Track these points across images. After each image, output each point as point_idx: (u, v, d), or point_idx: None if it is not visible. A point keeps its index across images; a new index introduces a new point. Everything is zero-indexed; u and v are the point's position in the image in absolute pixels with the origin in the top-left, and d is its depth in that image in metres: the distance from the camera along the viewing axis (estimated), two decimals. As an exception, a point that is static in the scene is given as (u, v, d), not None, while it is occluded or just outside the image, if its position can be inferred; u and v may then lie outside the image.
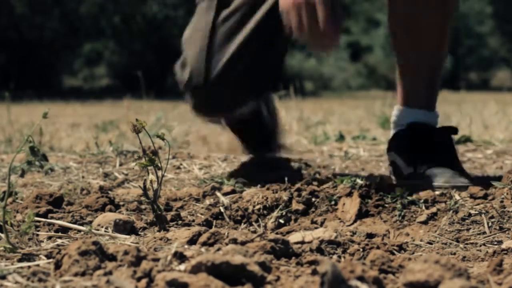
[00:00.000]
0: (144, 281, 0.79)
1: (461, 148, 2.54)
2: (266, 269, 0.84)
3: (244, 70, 1.70)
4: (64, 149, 2.83)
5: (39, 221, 1.29)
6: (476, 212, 1.31)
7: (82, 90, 15.96)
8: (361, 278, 0.77)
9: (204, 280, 0.76)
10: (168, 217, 1.39)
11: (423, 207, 1.39)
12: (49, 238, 1.19)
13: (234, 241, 0.98)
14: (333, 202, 1.47)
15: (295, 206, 1.46)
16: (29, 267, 0.91)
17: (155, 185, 1.25)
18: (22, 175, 1.84)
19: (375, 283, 0.78)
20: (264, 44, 1.72)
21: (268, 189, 1.59)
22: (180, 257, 0.85)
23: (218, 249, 0.92)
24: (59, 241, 1.15)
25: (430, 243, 1.21)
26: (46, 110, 1.13)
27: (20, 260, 0.96)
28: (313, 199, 1.50)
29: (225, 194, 1.59)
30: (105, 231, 1.24)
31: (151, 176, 1.24)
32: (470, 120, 3.38)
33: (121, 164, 2.10)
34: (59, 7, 18.62)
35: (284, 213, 1.43)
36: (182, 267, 0.83)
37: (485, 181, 1.46)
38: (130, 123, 1.18)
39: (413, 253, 1.11)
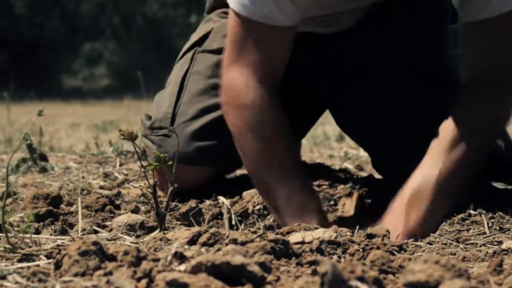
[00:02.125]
0: (144, 281, 0.79)
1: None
2: (266, 269, 0.84)
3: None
4: (64, 149, 2.84)
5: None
6: (476, 212, 1.31)
7: (82, 90, 15.97)
8: (361, 279, 0.77)
9: (204, 281, 0.76)
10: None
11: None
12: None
13: (234, 241, 0.98)
14: (332, 202, 1.47)
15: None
16: (29, 267, 0.91)
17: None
18: (14, 171, 1.85)
19: (375, 284, 0.78)
20: None
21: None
22: (180, 257, 0.85)
23: (218, 250, 0.92)
24: (59, 241, 1.14)
25: (430, 243, 1.21)
26: (41, 108, 1.13)
27: (20, 260, 0.96)
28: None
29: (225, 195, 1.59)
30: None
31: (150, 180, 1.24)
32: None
33: (121, 165, 2.10)
34: (59, 7, 18.62)
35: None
36: (182, 267, 0.83)
37: (485, 182, 1.46)
38: (123, 131, 1.16)
39: (413, 254, 1.11)
